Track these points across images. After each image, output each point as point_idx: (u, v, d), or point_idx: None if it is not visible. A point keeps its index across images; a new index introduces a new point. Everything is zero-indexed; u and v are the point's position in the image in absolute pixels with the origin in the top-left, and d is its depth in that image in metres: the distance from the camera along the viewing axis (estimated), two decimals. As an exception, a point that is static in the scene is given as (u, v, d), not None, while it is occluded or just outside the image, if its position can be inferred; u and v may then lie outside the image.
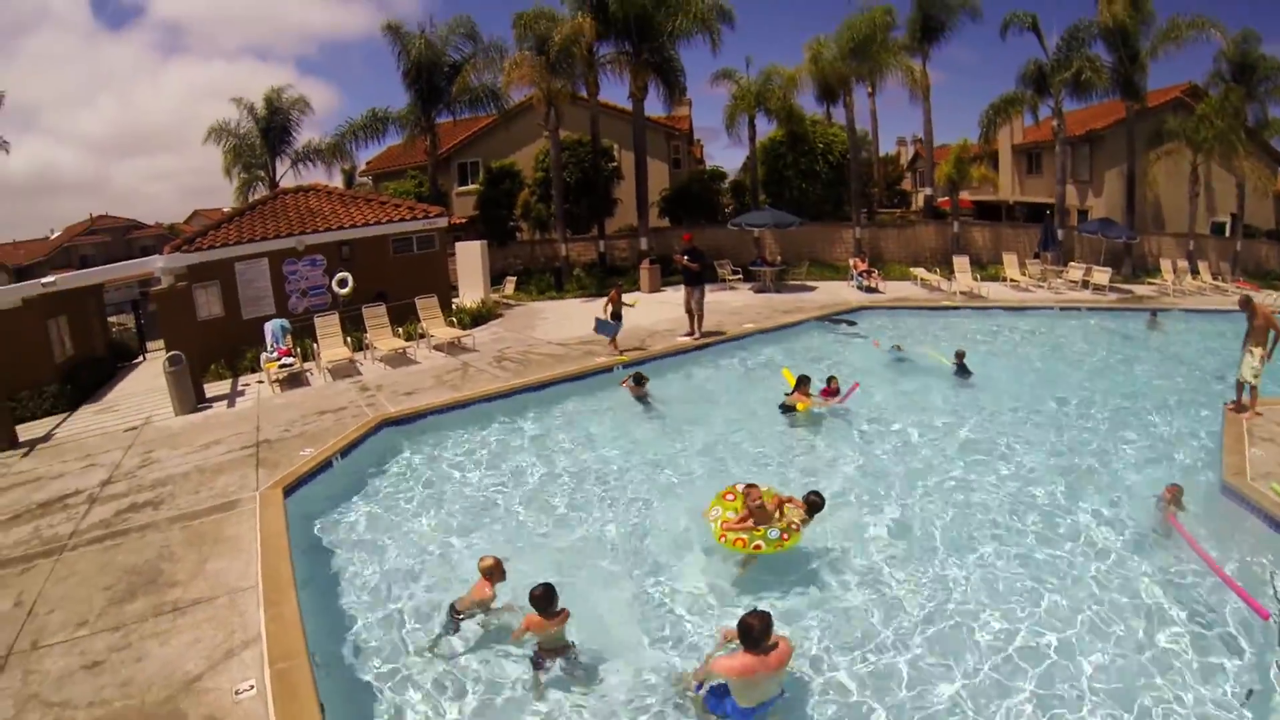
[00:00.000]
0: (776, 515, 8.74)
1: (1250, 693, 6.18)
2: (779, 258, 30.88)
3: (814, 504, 8.80)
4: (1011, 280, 28.09)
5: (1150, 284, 28.41)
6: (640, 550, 9.27)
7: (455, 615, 7.33)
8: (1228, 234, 35.66)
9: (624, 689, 6.66)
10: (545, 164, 31.79)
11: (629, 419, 14.19)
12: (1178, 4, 55.94)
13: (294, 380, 17.19)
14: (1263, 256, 34.49)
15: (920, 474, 11.21)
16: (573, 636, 7.04)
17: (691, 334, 19.20)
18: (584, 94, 30.06)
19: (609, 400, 15.06)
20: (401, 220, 23.07)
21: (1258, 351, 12.22)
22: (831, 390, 13.91)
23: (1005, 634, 7.16)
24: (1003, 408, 14.14)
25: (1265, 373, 12.33)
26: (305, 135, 37.15)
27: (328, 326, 19.13)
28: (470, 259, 26.69)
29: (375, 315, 19.81)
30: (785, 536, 8.46)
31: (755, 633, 5.87)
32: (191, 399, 15.59)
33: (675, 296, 24.70)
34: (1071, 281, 27.80)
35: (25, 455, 13.54)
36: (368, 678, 6.82)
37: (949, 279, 26.91)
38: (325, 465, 11.44)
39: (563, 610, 6.87)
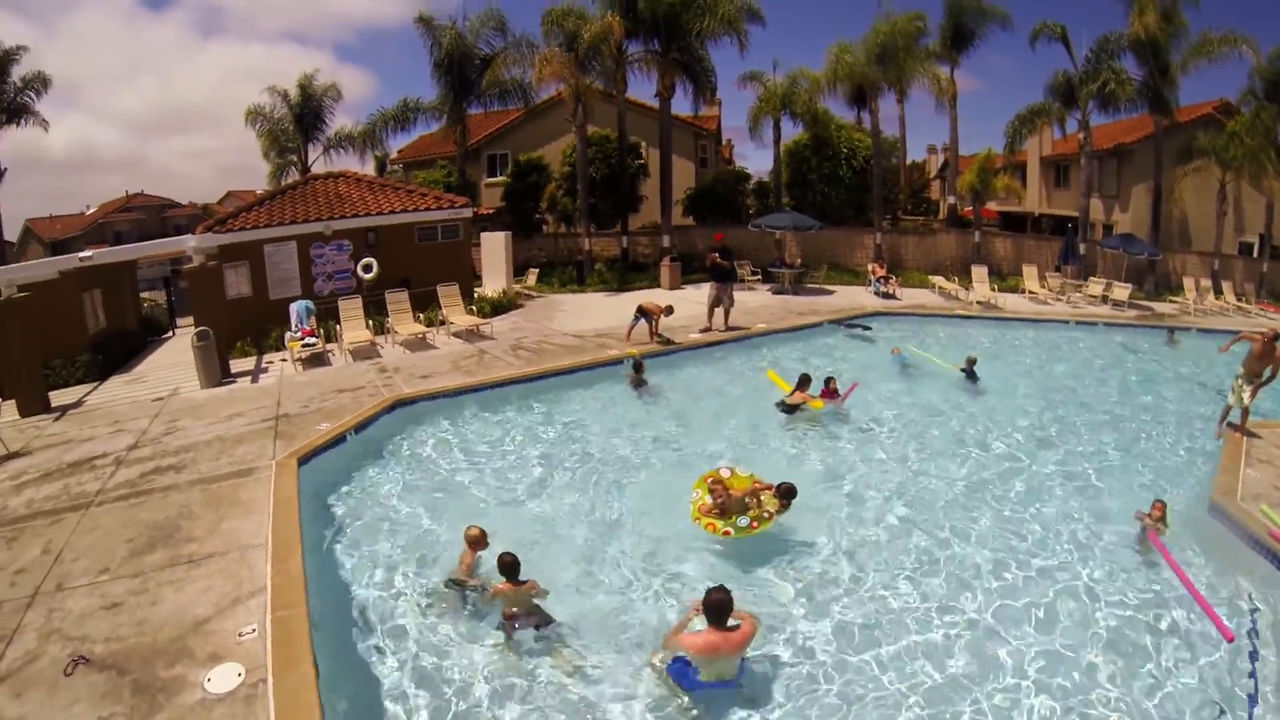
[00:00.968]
0: (753, 502, 9.16)
1: (1222, 711, 6.31)
2: (799, 260, 31.18)
3: (787, 493, 9.21)
4: (1030, 292, 28.01)
5: (1172, 301, 28.13)
6: (624, 527, 9.78)
7: (458, 586, 7.84)
8: (1255, 254, 35.34)
9: (590, 651, 7.15)
10: (572, 158, 32.20)
11: (631, 409, 14.64)
12: (1213, 17, 55.27)
13: (316, 359, 17.77)
14: (1291, 278, 34.20)
15: (909, 475, 11.54)
16: (547, 602, 7.57)
17: (707, 329, 19.73)
18: (612, 91, 30.43)
19: (615, 390, 15.52)
20: (427, 209, 23.69)
21: (1249, 388, 12.24)
22: (830, 391, 14.23)
23: (972, 635, 7.38)
24: (1001, 415, 14.34)
25: (1268, 392, 12.44)
26: (339, 121, 37.84)
27: (351, 309, 19.72)
28: (494, 249, 27.19)
29: (398, 300, 20.38)
30: (755, 525, 8.90)
31: (718, 608, 6.34)
32: (217, 373, 16.20)
33: (695, 294, 25.26)
34: (1091, 296, 27.62)
35: (57, 419, 14.21)
36: (360, 629, 7.36)
37: (967, 288, 26.99)
38: (339, 439, 11.98)
39: (529, 580, 7.51)
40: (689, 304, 23.55)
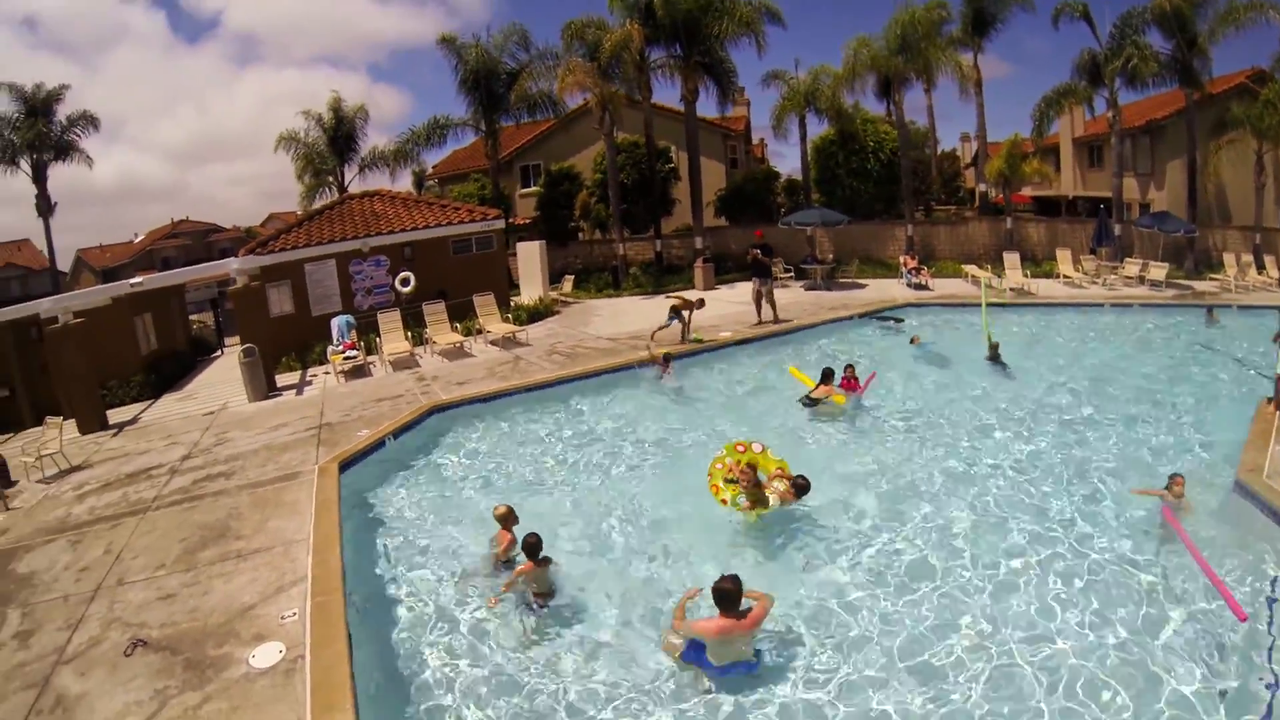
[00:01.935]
0: (770, 484, 9.50)
1: (1224, 693, 6.18)
2: (830, 255, 31.31)
3: (800, 487, 9.43)
4: (1065, 277, 27.65)
5: (1212, 280, 27.30)
6: (644, 514, 10.13)
7: (504, 566, 8.36)
8: (1299, 225, 34.48)
9: (607, 630, 7.51)
10: (603, 165, 32.67)
11: (660, 407, 15.00)
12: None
13: (357, 371, 18.47)
14: (1338, 250, 33.36)
15: (935, 458, 11.66)
16: (566, 583, 8.07)
17: (759, 323, 20.50)
18: (638, 97, 30.85)
19: (645, 390, 15.90)
20: (461, 223, 24.35)
21: None
22: (850, 380, 14.40)
23: (993, 619, 7.33)
24: (1027, 397, 14.36)
25: None
26: (374, 140, 38.76)
27: (390, 322, 20.42)
28: (530, 258, 27.74)
29: (435, 312, 21.03)
30: (749, 506, 9.20)
31: (728, 597, 6.50)
32: (264, 387, 16.93)
33: (728, 293, 25.62)
34: (1128, 278, 27.04)
35: (115, 435, 15.05)
36: (392, 613, 7.84)
37: (1000, 276, 26.85)
38: (379, 445, 12.58)
39: (546, 557, 7.98)
40: (721, 303, 23.93)
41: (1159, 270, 25.93)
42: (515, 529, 8.49)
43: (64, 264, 55.09)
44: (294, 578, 7.77)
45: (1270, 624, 6.96)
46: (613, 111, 29.13)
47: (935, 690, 6.38)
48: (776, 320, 20.60)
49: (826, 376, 14.10)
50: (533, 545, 7.87)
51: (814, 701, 6.35)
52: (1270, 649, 6.60)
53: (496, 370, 17.29)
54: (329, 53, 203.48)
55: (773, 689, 6.51)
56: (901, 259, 29.20)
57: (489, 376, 16.74)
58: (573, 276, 31.35)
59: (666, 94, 32.79)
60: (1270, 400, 12.20)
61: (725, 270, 30.55)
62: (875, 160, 33.76)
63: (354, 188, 33.78)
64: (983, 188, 39.38)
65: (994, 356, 16.26)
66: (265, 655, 6.43)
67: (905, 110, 34.03)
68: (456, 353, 19.75)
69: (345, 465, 11.50)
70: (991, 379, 15.73)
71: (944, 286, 26.97)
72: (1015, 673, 6.50)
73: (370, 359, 19.25)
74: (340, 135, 34.96)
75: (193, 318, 28.54)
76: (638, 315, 23.54)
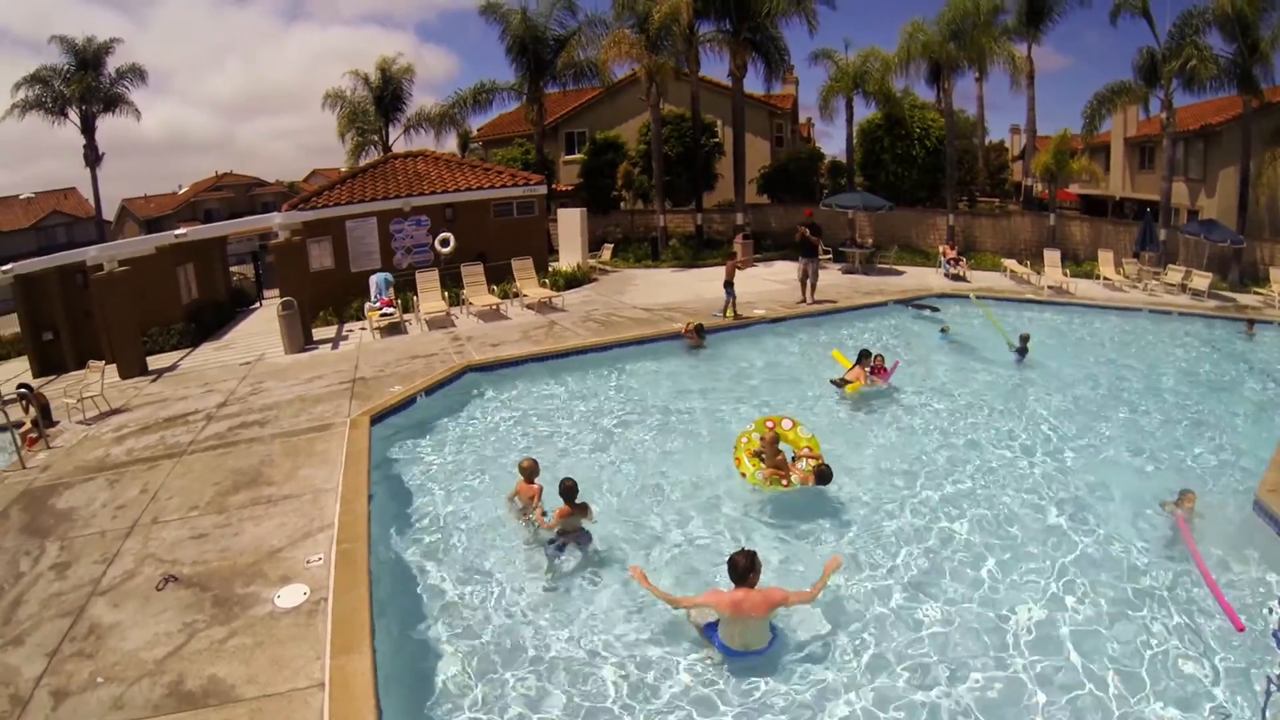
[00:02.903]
0: (795, 465, 9.56)
1: (1227, 718, 6.06)
2: (870, 240, 31.04)
3: (822, 474, 9.43)
4: (1105, 278, 27.10)
5: (1257, 293, 26.26)
6: (668, 479, 10.29)
7: (523, 515, 8.60)
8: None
9: (628, 589, 7.51)
10: (648, 137, 32.54)
11: (690, 378, 15.08)
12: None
13: (393, 328, 18.67)
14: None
15: (954, 451, 11.56)
16: (595, 529, 8.30)
17: (802, 301, 20.52)
18: (685, 70, 30.66)
19: (676, 360, 16.01)
20: (503, 186, 24.45)
21: None
22: (877, 367, 14.30)
23: (999, 617, 7.26)
24: (1052, 398, 14.11)
25: None
26: (421, 100, 38.98)
27: (428, 282, 20.61)
28: (570, 225, 27.79)
29: (473, 273, 21.18)
30: (769, 474, 9.30)
31: (740, 568, 6.47)
32: (300, 340, 17.18)
33: (765, 272, 25.54)
34: (1170, 285, 26.29)
35: (154, 381, 15.38)
36: (415, 561, 8.04)
37: (1039, 272, 26.44)
38: (411, 401, 12.77)
39: (584, 502, 8.21)
40: (759, 281, 23.93)
41: (1202, 279, 25.10)
42: (538, 482, 8.62)
43: (109, 212, 55.70)
44: (321, 524, 7.95)
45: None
46: (660, 83, 28.98)
47: (935, 688, 6.33)
48: (814, 301, 20.55)
49: (863, 358, 14.05)
50: (569, 489, 8.08)
51: (830, 685, 6.33)
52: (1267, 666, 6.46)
53: (531, 334, 17.41)
54: (377, 10, 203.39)
55: (783, 672, 6.50)
56: (941, 248, 28.84)
57: (523, 340, 16.87)
58: (612, 245, 31.31)
59: (714, 68, 32.58)
60: None
61: (764, 248, 30.40)
62: (921, 147, 33.33)
63: (398, 147, 33.96)
64: (1028, 182, 38.70)
65: (1023, 349, 16.08)
66: (290, 596, 6.62)
67: (954, 98, 33.56)
68: (492, 315, 19.89)
69: (377, 419, 11.70)
70: (1019, 374, 15.61)
71: (981, 279, 26.57)
72: (1016, 674, 6.45)
73: (406, 317, 19.43)
74: (386, 95, 35.16)
75: (233, 269, 28.87)
76: (676, 287, 23.57)
